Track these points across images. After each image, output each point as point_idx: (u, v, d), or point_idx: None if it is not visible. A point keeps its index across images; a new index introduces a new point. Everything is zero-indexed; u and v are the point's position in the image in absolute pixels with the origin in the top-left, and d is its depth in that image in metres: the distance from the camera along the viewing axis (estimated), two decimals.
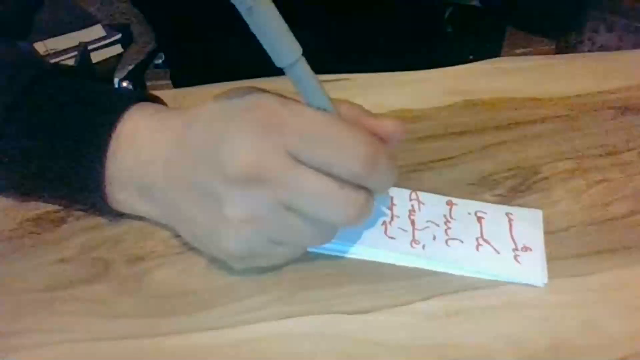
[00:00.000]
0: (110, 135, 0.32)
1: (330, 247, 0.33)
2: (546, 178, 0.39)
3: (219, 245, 0.30)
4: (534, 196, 0.38)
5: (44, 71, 0.35)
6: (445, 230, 0.35)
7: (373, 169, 0.28)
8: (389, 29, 0.59)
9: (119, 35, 1.23)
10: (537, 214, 0.36)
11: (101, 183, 0.32)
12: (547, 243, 0.34)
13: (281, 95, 0.29)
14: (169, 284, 0.32)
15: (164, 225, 0.35)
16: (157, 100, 0.36)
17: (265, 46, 0.26)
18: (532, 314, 0.31)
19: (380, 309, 0.31)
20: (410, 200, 0.37)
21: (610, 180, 0.39)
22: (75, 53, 1.14)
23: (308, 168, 0.27)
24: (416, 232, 0.35)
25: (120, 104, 0.33)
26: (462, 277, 0.33)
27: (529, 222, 0.36)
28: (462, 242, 0.34)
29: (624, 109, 0.46)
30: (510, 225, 0.36)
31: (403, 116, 0.45)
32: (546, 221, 0.36)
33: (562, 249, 0.34)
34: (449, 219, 0.36)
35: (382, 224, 0.35)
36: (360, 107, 0.30)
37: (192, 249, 0.34)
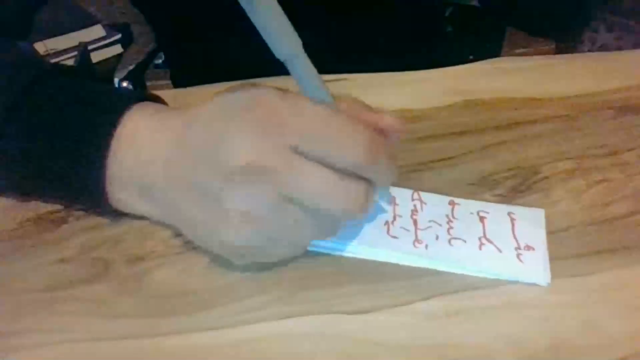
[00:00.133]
0: (110, 136, 0.32)
1: (332, 247, 0.34)
2: (546, 178, 0.39)
3: (220, 242, 0.30)
4: (534, 196, 0.38)
5: (44, 71, 0.35)
6: (448, 230, 0.35)
7: (373, 158, 0.28)
8: (389, 29, 0.59)
9: (119, 35, 1.22)
10: (539, 213, 0.36)
11: (101, 183, 0.32)
12: (547, 243, 0.34)
13: (280, 90, 0.29)
14: (169, 284, 0.32)
15: (164, 225, 0.35)
16: (157, 100, 0.36)
17: (265, 38, 0.26)
18: (532, 314, 0.31)
19: (380, 309, 0.31)
20: (413, 200, 0.37)
21: (610, 180, 0.39)
22: (75, 53, 1.14)
23: (308, 161, 0.27)
24: (419, 231, 0.35)
25: (120, 104, 0.33)
26: (462, 277, 0.33)
27: (531, 222, 0.36)
28: (464, 241, 0.34)
29: (624, 109, 0.46)
30: (513, 225, 0.36)
31: (403, 116, 0.45)
32: (546, 221, 0.36)
33: (562, 249, 0.34)
34: (452, 218, 0.36)
35: (385, 224, 0.35)
36: (361, 102, 0.31)
37: (192, 249, 0.34)
